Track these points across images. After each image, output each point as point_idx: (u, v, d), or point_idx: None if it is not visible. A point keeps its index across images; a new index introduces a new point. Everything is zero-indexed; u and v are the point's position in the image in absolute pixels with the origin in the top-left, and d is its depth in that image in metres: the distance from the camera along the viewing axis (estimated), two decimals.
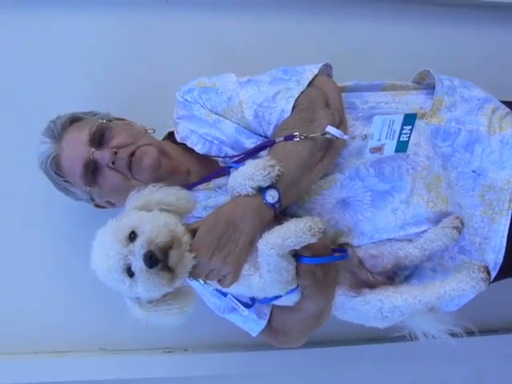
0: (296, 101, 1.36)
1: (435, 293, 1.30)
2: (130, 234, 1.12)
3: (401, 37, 1.95)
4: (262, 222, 1.21)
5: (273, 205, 1.21)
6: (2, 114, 1.78)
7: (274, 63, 1.50)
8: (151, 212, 1.17)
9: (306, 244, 1.17)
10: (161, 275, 1.10)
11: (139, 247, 1.09)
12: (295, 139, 1.28)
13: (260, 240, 1.18)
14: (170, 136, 1.56)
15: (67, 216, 1.76)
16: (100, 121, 1.46)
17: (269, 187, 1.21)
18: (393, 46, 1.95)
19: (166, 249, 1.10)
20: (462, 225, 1.32)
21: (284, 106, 1.37)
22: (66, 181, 1.48)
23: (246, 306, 1.40)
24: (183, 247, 1.14)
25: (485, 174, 1.41)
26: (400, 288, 1.34)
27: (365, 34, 1.94)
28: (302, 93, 1.37)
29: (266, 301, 1.34)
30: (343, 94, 1.45)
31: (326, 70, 1.51)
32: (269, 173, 1.20)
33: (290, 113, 1.37)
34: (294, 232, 1.15)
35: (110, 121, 1.49)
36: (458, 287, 1.28)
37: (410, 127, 1.29)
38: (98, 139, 1.43)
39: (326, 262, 1.26)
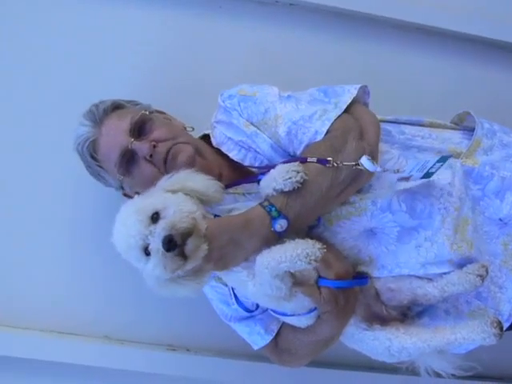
0: (332, 125, 1.33)
1: (445, 339, 1.27)
2: (153, 215, 1.12)
3: (446, 74, 1.94)
4: (264, 245, 1.21)
5: (279, 233, 1.21)
6: (50, 95, 1.78)
7: (316, 79, 1.49)
8: (177, 195, 1.16)
9: (301, 269, 1.17)
10: (174, 260, 1.10)
11: (160, 229, 1.09)
12: (327, 164, 1.25)
13: (259, 255, 1.18)
14: (205, 138, 1.53)
15: (84, 201, 1.76)
16: (143, 112, 1.43)
17: (280, 217, 1.20)
18: (436, 82, 1.93)
19: (186, 236, 1.10)
20: (487, 273, 1.27)
21: (319, 127, 1.33)
22: (99, 166, 1.45)
23: (246, 309, 1.42)
24: (201, 238, 1.14)
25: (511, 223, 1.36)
26: (410, 329, 1.31)
27: (413, 69, 1.92)
28: (339, 117, 1.34)
29: (278, 313, 1.34)
30: (380, 123, 1.41)
31: (364, 93, 1.47)
32: (290, 177, 1.20)
33: (323, 135, 1.33)
34: (290, 257, 1.14)
35: (152, 113, 1.46)
36: (469, 336, 1.25)
37: (440, 164, 1.26)
38: (139, 130, 1.40)
39: (347, 287, 1.25)
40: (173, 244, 1.09)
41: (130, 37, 1.82)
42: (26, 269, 1.78)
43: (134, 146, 1.38)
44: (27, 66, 1.79)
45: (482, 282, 1.27)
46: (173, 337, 1.82)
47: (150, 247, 1.10)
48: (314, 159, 1.26)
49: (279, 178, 1.21)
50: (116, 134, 1.40)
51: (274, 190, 1.22)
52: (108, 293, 1.79)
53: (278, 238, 1.21)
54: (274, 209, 1.21)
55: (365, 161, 1.23)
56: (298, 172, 1.21)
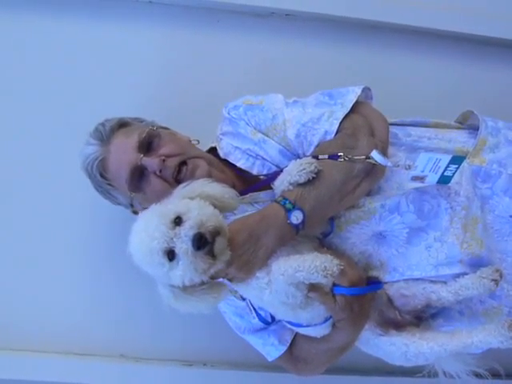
0: (341, 125, 1.32)
1: (462, 342, 1.25)
2: (176, 219, 1.10)
3: (446, 75, 1.93)
4: (282, 239, 1.21)
5: (296, 225, 1.20)
6: (52, 114, 1.78)
7: (317, 88, 1.47)
8: (197, 201, 1.15)
9: (316, 281, 1.15)
10: (204, 259, 1.08)
11: (188, 229, 1.07)
12: (339, 159, 1.25)
13: (276, 262, 1.18)
14: (211, 151, 1.53)
15: (97, 221, 1.75)
16: (150, 128, 1.43)
17: (295, 208, 1.20)
18: (436, 83, 1.92)
19: (215, 234, 1.09)
20: (501, 278, 1.25)
21: (328, 127, 1.33)
22: (109, 184, 1.44)
23: (265, 322, 1.41)
24: (227, 238, 1.13)
25: None
26: (427, 334, 1.30)
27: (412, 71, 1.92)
28: (347, 116, 1.33)
29: (293, 324, 1.32)
30: None
31: (367, 98, 1.47)
32: (304, 168, 1.21)
33: (333, 135, 1.32)
34: (308, 268, 1.13)
35: (158, 129, 1.46)
36: (486, 340, 1.23)
37: (456, 166, 1.25)
38: (147, 146, 1.40)
39: (362, 293, 1.23)
40: (203, 241, 1.07)
41: (130, 54, 1.82)
42: (38, 291, 1.77)
43: (144, 162, 1.38)
44: (32, 86, 1.79)
45: (497, 286, 1.25)
46: (188, 352, 1.80)
47: (176, 250, 1.07)
48: (325, 156, 1.26)
49: (293, 171, 1.22)
50: (125, 151, 1.39)
51: (289, 183, 1.23)
52: (121, 312, 1.78)
53: (296, 233, 1.21)
54: (288, 201, 1.21)
55: (375, 154, 1.23)
56: (312, 163, 1.22)
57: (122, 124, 1.46)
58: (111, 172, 1.42)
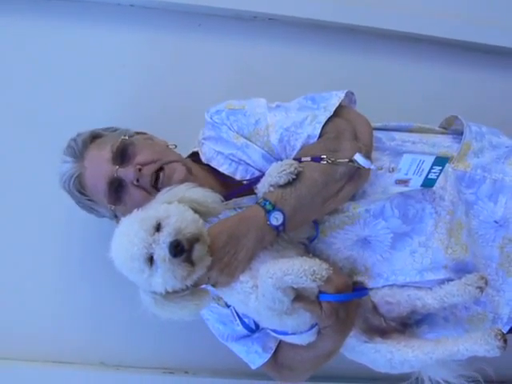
0: (324, 128, 1.31)
1: (448, 350, 1.23)
2: (156, 225, 1.08)
3: (430, 80, 1.93)
4: (262, 241, 1.20)
5: (276, 227, 1.19)
6: (24, 128, 1.75)
7: (300, 92, 1.46)
8: (178, 205, 1.14)
9: (304, 286, 1.14)
10: (182, 267, 1.07)
11: (166, 235, 1.06)
12: (322, 162, 1.23)
13: (263, 265, 1.16)
14: (193, 156, 1.51)
15: (76, 227, 1.72)
16: (123, 137, 1.40)
17: (275, 209, 1.19)
18: (421, 88, 1.92)
19: (193, 241, 1.08)
20: (486, 285, 1.24)
21: (311, 131, 1.31)
22: (89, 199, 1.41)
23: (249, 329, 1.40)
24: (207, 245, 1.11)
25: (507, 225, 1.33)
26: (412, 342, 1.28)
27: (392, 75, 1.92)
28: (329, 120, 1.32)
29: (278, 333, 1.30)
30: None
31: (350, 102, 1.46)
32: (284, 169, 1.21)
33: (316, 139, 1.31)
34: (297, 271, 1.12)
35: (132, 136, 1.43)
36: (472, 348, 1.21)
37: (440, 168, 1.24)
38: (121, 156, 1.37)
39: (348, 300, 1.22)
40: (180, 249, 1.05)
41: (110, 58, 1.79)
42: (15, 298, 1.73)
43: (120, 173, 1.35)
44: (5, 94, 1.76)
45: (482, 293, 1.24)
46: (170, 360, 1.77)
47: (154, 256, 1.06)
48: (308, 158, 1.25)
49: (274, 172, 1.22)
50: (99, 164, 1.37)
51: (270, 185, 1.22)
52: (101, 318, 1.75)
53: (276, 234, 1.20)
54: (268, 203, 1.20)
55: (358, 157, 1.22)
56: (292, 164, 1.21)
57: (94, 136, 1.43)
58: (89, 187, 1.39)
